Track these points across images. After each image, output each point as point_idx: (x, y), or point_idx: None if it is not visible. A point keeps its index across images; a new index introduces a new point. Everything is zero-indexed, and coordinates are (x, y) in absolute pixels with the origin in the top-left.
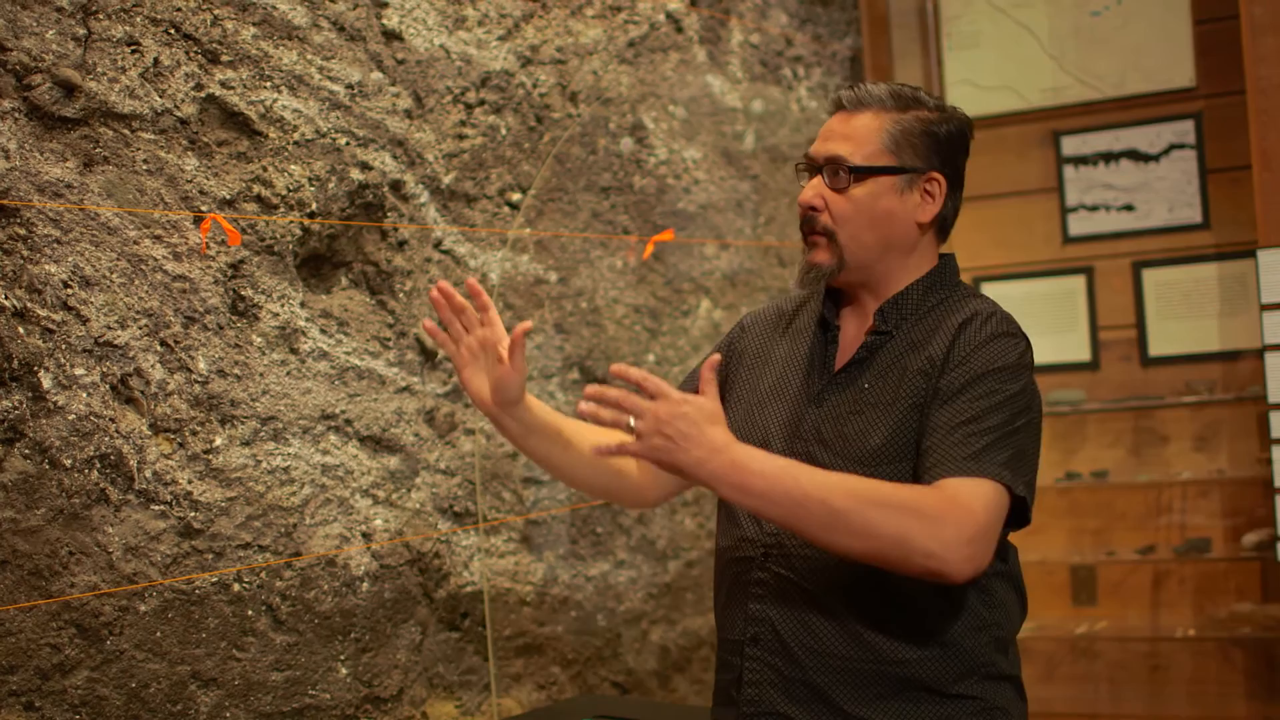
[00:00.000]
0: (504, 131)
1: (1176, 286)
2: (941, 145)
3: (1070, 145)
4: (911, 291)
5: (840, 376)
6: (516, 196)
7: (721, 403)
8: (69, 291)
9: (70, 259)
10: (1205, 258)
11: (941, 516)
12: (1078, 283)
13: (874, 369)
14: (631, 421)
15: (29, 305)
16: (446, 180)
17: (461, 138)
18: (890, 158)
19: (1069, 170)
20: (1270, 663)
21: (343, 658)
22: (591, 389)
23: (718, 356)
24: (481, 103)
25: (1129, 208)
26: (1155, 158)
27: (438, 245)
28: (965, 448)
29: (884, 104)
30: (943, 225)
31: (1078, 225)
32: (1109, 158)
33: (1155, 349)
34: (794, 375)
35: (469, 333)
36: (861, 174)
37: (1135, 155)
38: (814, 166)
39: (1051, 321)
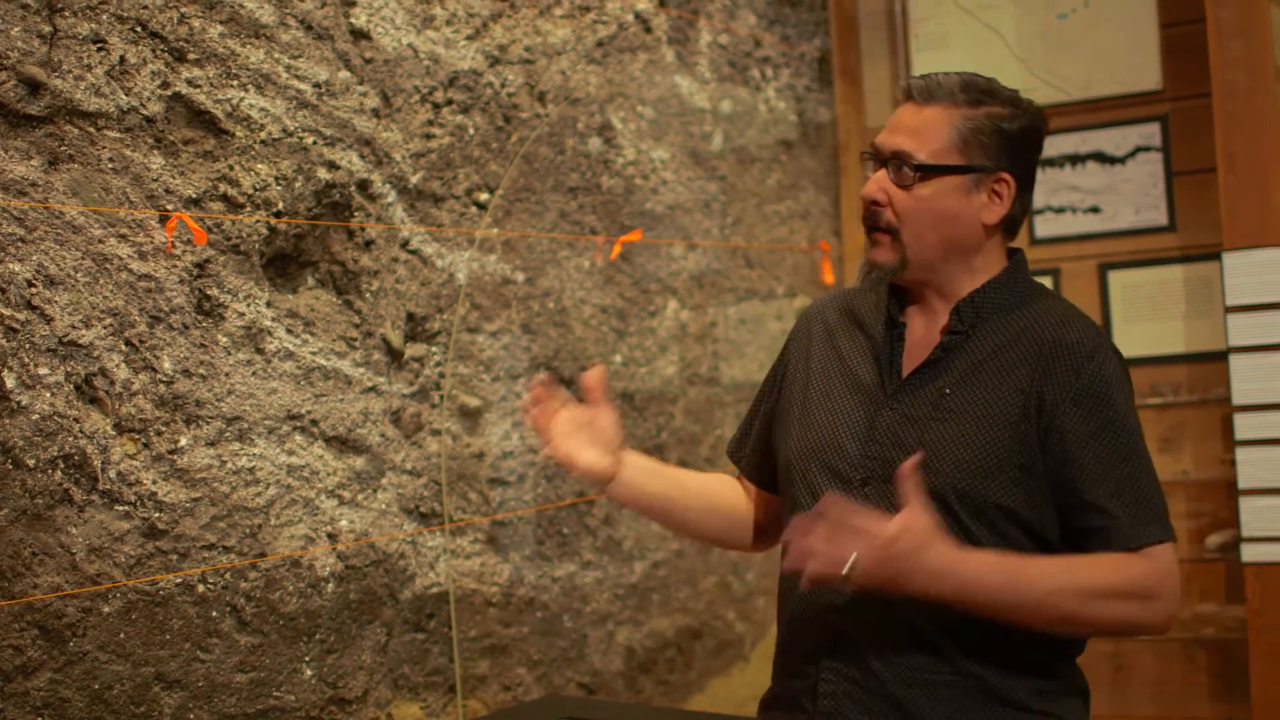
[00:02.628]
0: (472, 131)
1: (1142, 289)
2: (1012, 143)
3: None
4: (988, 291)
5: (915, 378)
6: (484, 196)
7: (781, 391)
8: (33, 290)
9: (34, 258)
10: (1171, 260)
11: (1155, 592)
12: (1044, 284)
13: (952, 373)
14: (846, 567)
15: None
16: (414, 180)
17: (429, 137)
18: (958, 156)
19: (1036, 172)
20: (1233, 663)
21: (307, 659)
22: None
23: (914, 462)
24: (449, 102)
25: (1095, 210)
26: (1121, 160)
27: (405, 245)
28: (1141, 512)
29: (955, 97)
30: (1011, 225)
31: (1044, 227)
32: (1075, 160)
33: (1121, 350)
34: (863, 372)
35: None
36: (927, 172)
37: (1101, 157)
38: (879, 158)
39: None
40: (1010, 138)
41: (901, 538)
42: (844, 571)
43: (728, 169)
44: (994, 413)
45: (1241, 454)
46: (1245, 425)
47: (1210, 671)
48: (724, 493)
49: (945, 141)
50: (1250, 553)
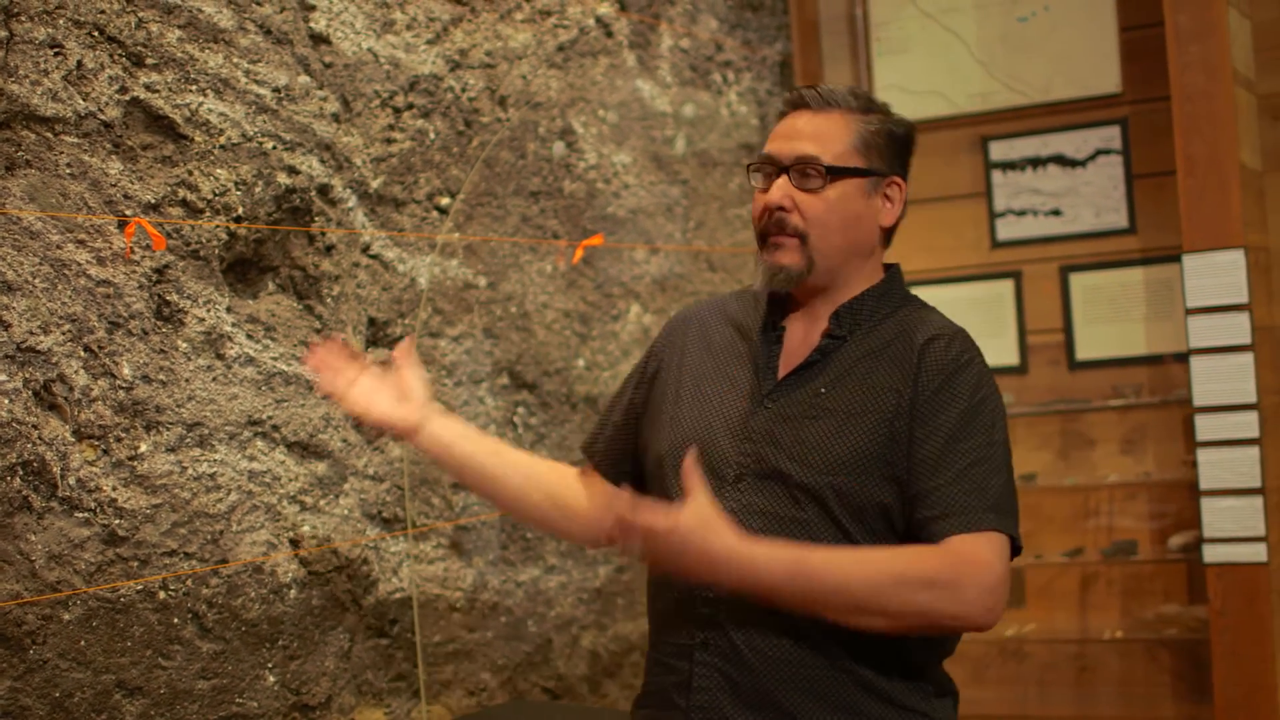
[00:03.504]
0: (433, 136)
1: (1103, 291)
2: (900, 149)
3: (998, 150)
4: (867, 298)
5: (791, 379)
6: (445, 201)
7: (651, 395)
8: None
9: None
10: (1132, 262)
11: (958, 580)
12: (1006, 287)
13: (828, 374)
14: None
15: None
16: (375, 184)
17: (390, 142)
18: (860, 159)
19: (997, 175)
20: (1196, 663)
21: (270, 665)
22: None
23: (694, 454)
24: (410, 106)
25: (1056, 213)
26: (1082, 163)
27: (366, 250)
28: (969, 499)
29: (850, 104)
30: (891, 233)
31: (1005, 230)
32: (1036, 163)
33: (1082, 353)
34: (739, 374)
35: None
36: (836, 174)
37: (1062, 160)
38: (778, 167)
39: (980, 326)
40: (899, 143)
41: (677, 531)
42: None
43: (690, 173)
44: (867, 412)
45: (1203, 455)
46: (1206, 426)
47: (1174, 672)
48: (553, 476)
49: (847, 145)
50: (1212, 553)
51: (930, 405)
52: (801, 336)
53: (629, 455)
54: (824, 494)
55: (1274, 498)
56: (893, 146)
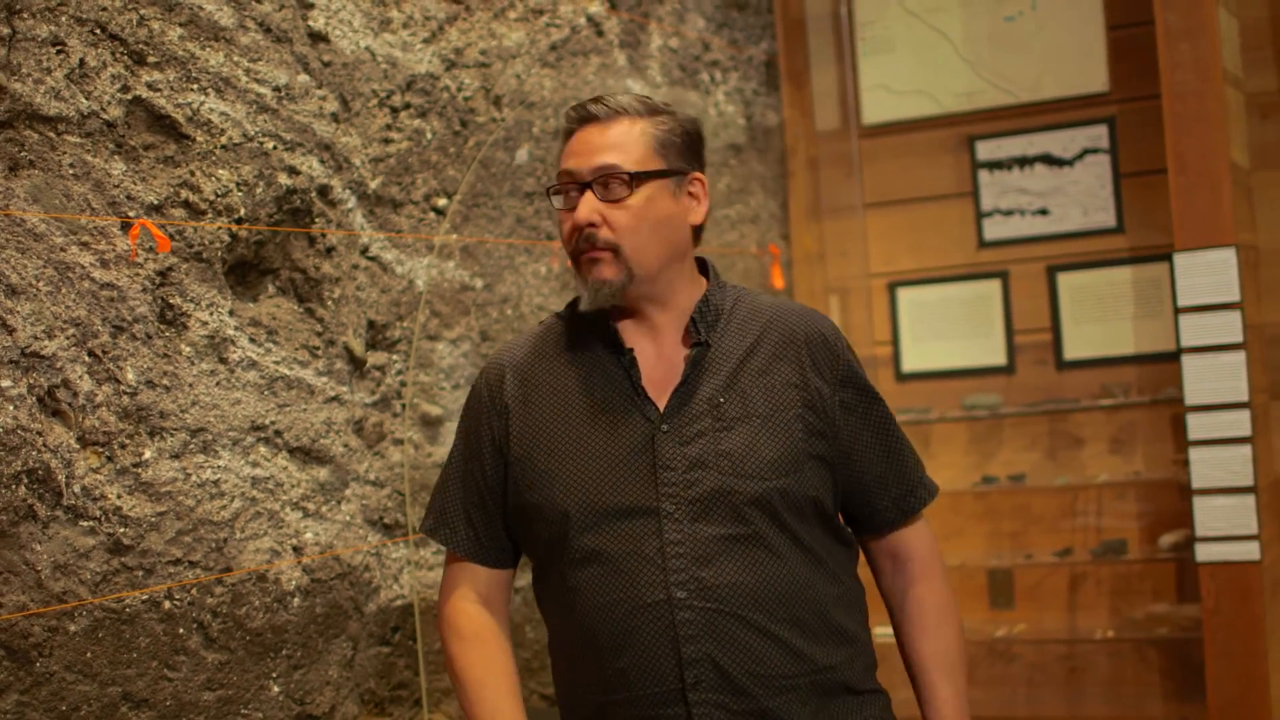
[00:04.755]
0: (429, 136)
1: (1091, 290)
2: (694, 146)
3: (985, 150)
4: (711, 298)
5: (677, 397)
6: (442, 202)
7: (507, 455)
8: None
9: None
10: (1119, 261)
11: (942, 578)
12: (993, 287)
13: (714, 382)
14: None
15: None
16: (373, 185)
17: (387, 142)
18: (660, 161)
19: (984, 175)
20: (1186, 662)
21: (274, 675)
22: None
23: None
24: (407, 106)
25: (1043, 212)
26: (1069, 162)
27: (364, 252)
28: (915, 471)
29: (637, 110)
30: (699, 231)
31: (992, 230)
32: (1023, 162)
33: (1070, 352)
34: (609, 406)
35: None
36: (640, 179)
37: (1049, 160)
38: (580, 183)
39: (967, 326)
40: (692, 139)
41: None
42: None
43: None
44: (777, 411)
45: (1195, 454)
46: (1198, 425)
47: (1163, 671)
48: (513, 670)
49: (645, 149)
50: (1204, 552)
51: (845, 396)
52: (655, 351)
53: (501, 534)
54: (771, 499)
55: (1265, 496)
56: (688, 144)
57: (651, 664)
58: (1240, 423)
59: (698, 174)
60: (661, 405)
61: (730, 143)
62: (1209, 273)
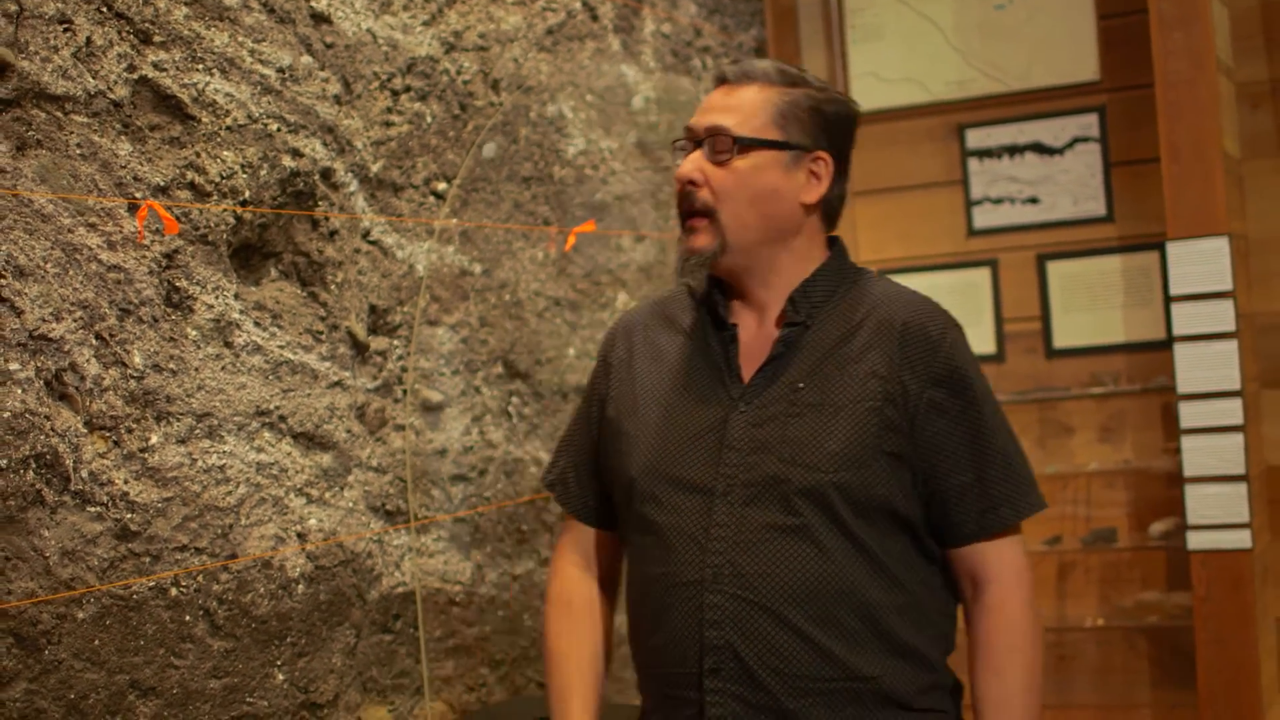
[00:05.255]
0: (429, 119)
1: (1081, 279)
2: (830, 125)
3: (975, 138)
4: (819, 279)
5: (760, 377)
6: (442, 186)
7: (605, 418)
8: (3, 282)
9: (4, 247)
10: (1109, 250)
11: (1028, 620)
12: (982, 275)
13: (799, 366)
14: None
15: None
16: (374, 169)
17: (389, 125)
18: (777, 131)
19: (973, 163)
20: (1176, 650)
21: (279, 663)
22: None
23: None
24: (407, 89)
25: (1033, 200)
26: (1059, 151)
27: (365, 235)
28: (1010, 485)
29: (770, 79)
30: (829, 211)
31: (982, 218)
32: (1013, 151)
33: (1060, 341)
34: (699, 380)
35: None
36: (746, 145)
37: (1040, 148)
38: (695, 140)
39: (956, 314)
40: (827, 118)
41: None
42: None
43: (671, 159)
44: (855, 401)
45: (1187, 442)
46: (1190, 413)
47: (1152, 659)
48: (596, 641)
49: (764, 118)
50: (1196, 540)
51: (937, 395)
52: (755, 330)
53: (601, 491)
54: (827, 494)
55: (1256, 484)
56: (819, 121)
57: (677, 643)
58: (1233, 411)
59: (823, 153)
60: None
61: None
62: (1202, 261)
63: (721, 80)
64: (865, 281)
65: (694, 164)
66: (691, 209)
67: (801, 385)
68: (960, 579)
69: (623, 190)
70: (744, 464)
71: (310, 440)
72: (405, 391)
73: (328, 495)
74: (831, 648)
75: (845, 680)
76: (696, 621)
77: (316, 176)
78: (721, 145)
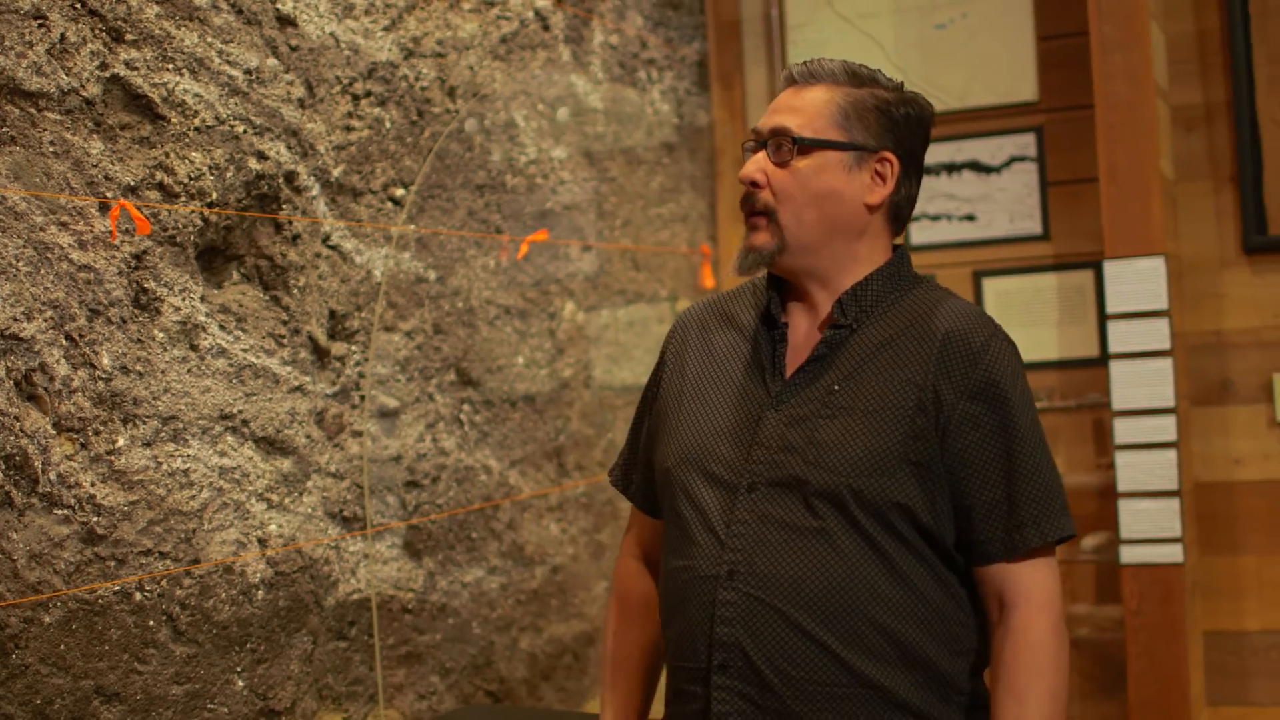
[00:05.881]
0: (388, 125)
1: (1016, 296)
2: (897, 126)
3: None
4: (871, 283)
5: (799, 377)
6: (400, 192)
7: (654, 409)
8: None
9: None
10: (1044, 268)
11: (1059, 641)
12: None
13: (839, 369)
14: None
15: None
16: (335, 173)
17: (349, 129)
18: (838, 132)
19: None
20: (1105, 663)
21: (239, 669)
22: None
23: None
24: (368, 94)
25: (970, 218)
26: (997, 169)
27: (325, 240)
28: (1041, 506)
29: (837, 79)
30: (896, 213)
31: (920, 234)
32: (951, 168)
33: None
34: (743, 376)
35: None
36: (806, 146)
37: (977, 167)
38: (759, 142)
39: None
40: (894, 119)
41: None
42: None
43: (617, 170)
44: (886, 407)
45: (1121, 458)
46: (1124, 430)
47: (1083, 672)
48: (647, 640)
49: (826, 118)
50: (1129, 554)
51: (971, 408)
52: (805, 330)
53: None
54: (842, 497)
55: (1187, 500)
56: (884, 122)
57: (689, 637)
58: (1166, 428)
59: (889, 154)
60: None
61: (664, 141)
62: (1138, 280)
63: (790, 81)
64: (919, 288)
65: (756, 165)
66: (753, 209)
67: (838, 388)
68: (987, 599)
69: (571, 200)
70: (771, 462)
71: (271, 445)
72: (362, 397)
73: (287, 501)
74: (842, 653)
75: (854, 686)
76: (708, 617)
77: (280, 180)
78: (783, 146)
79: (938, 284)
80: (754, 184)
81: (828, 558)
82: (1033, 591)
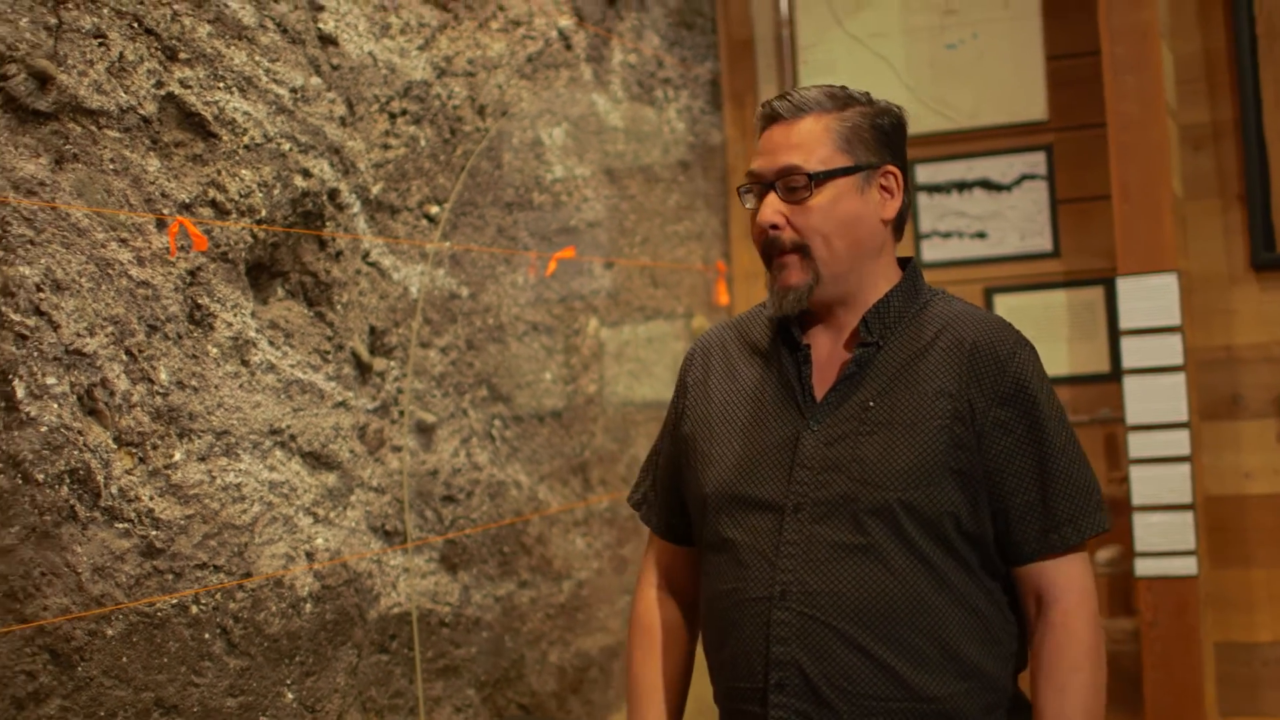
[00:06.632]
0: (423, 143)
1: (1027, 312)
2: (888, 137)
3: (925, 174)
4: (892, 299)
5: (832, 396)
6: (434, 209)
7: (680, 435)
8: (41, 295)
9: (43, 261)
10: (1055, 285)
11: (1092, 639)
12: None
13: (872, 385)
14: None
15: (3, 309)
16: (375, 191)
17: (387, 147)
18: (845, 158)
19: (923, 198)
20: (1120, 675)
21: (289, 682)
22: None
23: None
24: (404, 112)
25: (981, 235)
26: (1007, 187)
27: (365, 257)
28: (1076, 504)
29: (823, 105)
30: (900, 222)
31: (931, 252)
32: (962, 186)
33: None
34: (772, 398)
35: None
36: (821, 179)
37: (988, 185)
38: (764, 184)
39: None
40: (885, 132)
41: None
42: None
43: (636, 188)
44: (923, 419)
45: (1135, 471)
46: (1138, 444)
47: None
48: (674, 665)
49: (829, 147)
50: (1143, 567)
51: (1003, 414)
52: (829, 350)
53: (680, 508)
54: (893, 511)
55: (1199, 513)
56: (880, 136)
57: (745, 658)
58: (1180, 442)
59: (891, 167)
60: None
61: (680, 159)
62: (1151, 297)
63: (773, 118)
64: (937, 301)
65: (772, 208)
66: (782, 250)
67: (873, 404)
68: (1025, 597)
69: (594, 217)
70: (815, 482)
71: (317, 460)
72: (401, 413)
73: (332, 515)
74: (897, 667)
75: (910, 700)
76: (764, 637)
77: (324, 197)
78: (797, 184)
79: (951, 295)
80: (774, 226)
81: (878, 573)
82: (1070, 587)
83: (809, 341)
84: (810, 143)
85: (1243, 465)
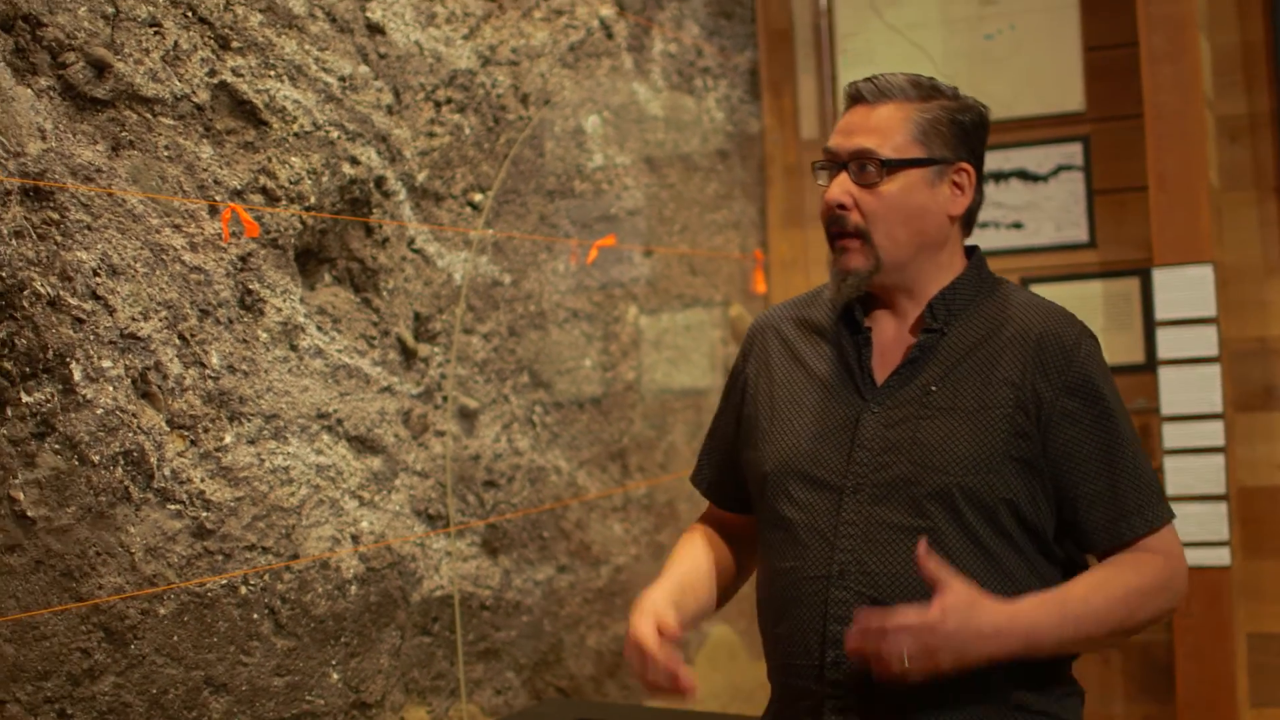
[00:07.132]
0: (467, 131)
1: (1063, 302)
2: (968, 134)
3: None
4: (959, 287)
5: (894, 379)
6: (478, 197)
7: (742, 410)
8: (98, 280)
9: (100, 246)
10: (1091, 275)
11: (1173, 577)
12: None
13: (934, 370)
14: (905, 660)
15: (61, 294)
16: (420, 178)
17: (432, 135)
18: (920, 149)
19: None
20: (1152, 665)
21: (334, 662)
22: (853, 647)
23: (924, 544)
24: (449, 101)
25: (1018, 226)
26: (1044, 178)
27: (410, 244)
28: (1142, 495)
29: (907, 94)
30: (969, 218)
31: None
32: (999, 177)
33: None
34: (833, 379)
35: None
36: (893, 167)
37: (1024, 175)
38: (837, 163)
39: None
40: (965, 129)
41: (947, 618)
42: (903, 665)
43: (675, 176)
44: (985, 406)
45: (1170, 462)
46: (1173, 435)
47: (1126, 673)
48: (711, 558)
49: (906, 136)
50: None
51: (1070, 405)
52: (892, 334)
53: (740, 483)
54: (952, 496)
55: (1233, 504)
56: (958, 132)
57: (801, 636)
58: (1214, 433)
59: (965, 164)
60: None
61: (718, 148)
62: (1187, 288)
63: (857, 99)
64: (1003, 290)
65: (841, 188)
66: (844, 231)
67: (935, 389)
68: None
69: (634, 205)
70: (874, 463)
71: (362, 444)
72: (445, 398)
73: (377, 498)
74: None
75: (966, 681)
76: (821, 615)
77: (371, 184)
78: (869, 169)
79: (1016, 285)
80: (841, 206)
81: (936, 556)
82: (1159, 548)
83: (870, 325)
84: (888, 129)
85: (1276, 456)
